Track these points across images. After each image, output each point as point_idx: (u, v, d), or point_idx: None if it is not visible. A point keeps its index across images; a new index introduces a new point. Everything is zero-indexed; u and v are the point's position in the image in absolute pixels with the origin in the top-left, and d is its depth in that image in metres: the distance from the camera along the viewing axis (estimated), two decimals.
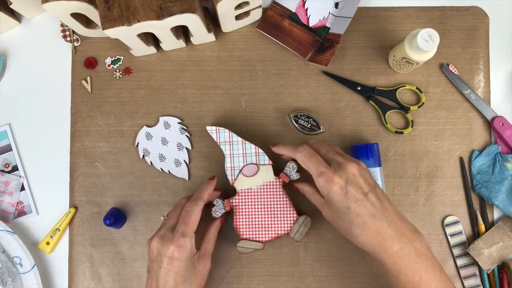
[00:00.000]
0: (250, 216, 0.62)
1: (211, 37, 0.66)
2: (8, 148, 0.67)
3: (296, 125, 0.66)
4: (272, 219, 0.61)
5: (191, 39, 0.65)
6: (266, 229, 0.61)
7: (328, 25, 0.67)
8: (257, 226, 0.61)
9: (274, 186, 0.62)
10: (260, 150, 0.62)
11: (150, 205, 0.66)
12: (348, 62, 0.67)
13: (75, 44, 0.68)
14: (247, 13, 0.64)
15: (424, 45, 0.57)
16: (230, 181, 0.62)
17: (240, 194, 0.62)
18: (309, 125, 0.66)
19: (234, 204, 0.62)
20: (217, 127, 0.62)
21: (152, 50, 0.66)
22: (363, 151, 0.63)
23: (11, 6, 0.64)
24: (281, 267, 0.65)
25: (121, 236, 0.66)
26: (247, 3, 0.60)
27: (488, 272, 0.63)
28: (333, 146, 0.58)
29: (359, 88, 0.66)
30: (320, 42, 0.66)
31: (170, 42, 0.64)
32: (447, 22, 0.67)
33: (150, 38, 0.64)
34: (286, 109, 0.67)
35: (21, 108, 0.68)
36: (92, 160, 0.67)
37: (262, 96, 0.67)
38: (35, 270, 0.64)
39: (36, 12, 0.68)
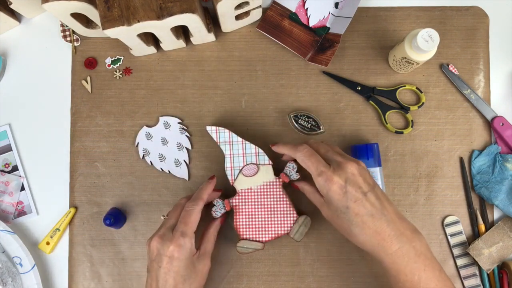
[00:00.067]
0: (250, 216, 0.62)
1: (211, 37, 0.66)
2: (8, 148, 0.67)
3: (296, 125, 0.66)
4: (272, 219, 0.61)
5: (191, 39, 0.65)
6: (266, 229, 0.61)
7: (328, 25, 0.67)
8: (257, 226, 0.61)
9: (274, 186, 0.62)
10: (260, 150, 0.62)
11: (150, 205, 0.66)
12: (348, 62, 0.67)
13: (75, 44, 0.68)
14: (247, 13, 0.64)
15: (424, 45, 0.57)
16: (230, 181, 0.62)
17: (240, 194, 0.62)
18: (309, 125, 0.66)
19: (234, 204, 0.62)
20: (217, 127, 0.62)
21: (152, 50, 0.66)
22: (363, 151, 0.63)
23: (11, 6, 0.64)
24: (281, 267, 0.65)
25: (121, 236, 0.66)
26: (247, 3, 0.60)
27: (488, 272, 0.63)
28: (332, 146, 0.58)
29: (359, 88, 0.66)
30: (320, 42, 0.66)
31: (170, 42, 0.64)
32: (447, 22, 0.67)
33: (150, 38, 0.64)
34: (286, 109, 0.67)
35: (21, 108, 0.68)
36: (92, 160, 0.67)
37: (262, 96, 0.67)
38: (35, 270, 0.64)
39: (36, 12, 0.68)
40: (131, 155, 0.67)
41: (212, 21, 0.65)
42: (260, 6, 0.63)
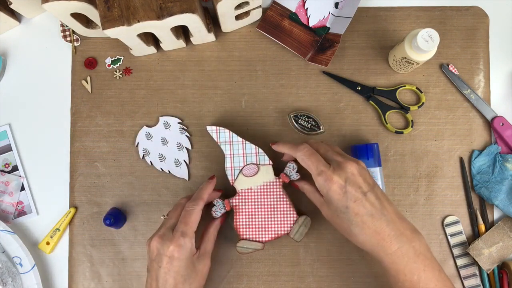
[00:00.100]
0: (250, 216, 0.62)
1: (211, 37, 0.66)
2: (8, 148, 0.67)
3: (296, 125, 0.66)
4: (272, 219, 0.61)
5: (191, 39, 0.65)
6: (266, 229, 0.61)
7: (328, 25, 0.67)
8: (257, 226, 0.61)
9: (274, 186, 0.62)
10: (260, 150, 0.62)
11: (150, 205, 0.66)
12: (348, 62, 0.67)
13: (75, 44, 0.68)
14: (247, 13, 0.64)
15: (424, 45, 0.57)
16: (230, 181, 0.62)
17: (240, 194, 0.62)
18: (309, 125, 0.66)
19: (234, 204, 0.62)
20: (218, 127, 0.62)
21: (152, 50, 0.66)
22: (363, 151, 0.63)
23: (11, 6, 0.64)
24: (281, 267, 0.65)
25: (121, 236, 0.66)
26: (247, 3, 0.60)
27: (488, 272, 0.63)
28: (332, 146, 0.58)
29: (359, 88, 0.66)
30: (320, 42, 0.66)
31: (170, 42, 0.64)
32: (447, 22, 0.67)
33: (150, 38, 0.64)
34: (286, 109, 0.67)
35: (21, 108, 0.68)
36: (92, 160, 0.67)
37: (262, 96, 0.67)
38: (35, 270, 0.64)
39: (36, 12, 0.68)
40: (131, 155, 0.67)
41: (212, 21, 0.65)
42: (260, 6, 0.63)
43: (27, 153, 0.68)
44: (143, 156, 0.66)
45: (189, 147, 0.66)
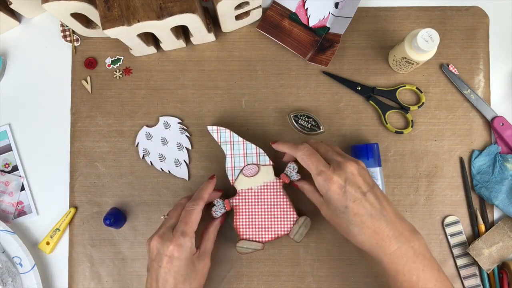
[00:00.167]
0: (250, 217, 0.62)
1: (211, 37, 0.66)
2: (8, 148, 0.67)
3: (296, 125, 0.66)
4: (272, 219, 0.61)
5: (191, 39, 0.65)
6: (266, 229, 0.61)
7: (328, 25, 0.67)
8: (257, 226, 0.61)
9: (275, 187, 0.62)
10: (261, 151, 0.62)
11: (150, 205, 0.66)
12: (348, 62, 0.67)
13: (75, 44, 0.68)
14: (247, 13, 0.64)
15: (424, 45, 0.57)
16: (231, 181, 0.62)
17: (240, 194, 0.62)
18: (309, 125, 0.66)
19: (234, 204, 0.62)
20: (218, 127, 0.62)
21: (152, 50, 0.66)
22: (363, 151, 0.63)
23: (11, 6, 0.64)
24: (281, 267, 0.65)
25: (121, 236, 0.66)
26: (247, 3, 0.60)
27: (488, 272, 0.63)
28: (332, 146, 0.58)
29: (359, 88, 0.66)
30: (320, 42, 0.66)
31: (170, 42, 0.64)
32: (447, 22, 0.67)
33: (150, 38, 0.64)
34: (286, 109, 0.67)
35: (21, 108, 0.68)
36: (92, 160, 0.67)
37: (262, 96, 0.67)
38: (35, 270, 0.64)
39: (36, 12, 0.68)
40: (131, 155, 0.67)
41: (212, 21, 0.65)
42: (260, 6, 0.63)
43: (27, 153, 0.68)
44: (143, 156, 0.66)
45: (189, 147, 0.66)
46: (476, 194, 0.65)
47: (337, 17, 0.66)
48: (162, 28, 0.57)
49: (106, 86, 0.67)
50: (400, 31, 0.67)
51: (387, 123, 0.65)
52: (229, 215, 0.64)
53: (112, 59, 0.68)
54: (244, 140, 0.62)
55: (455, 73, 0.66)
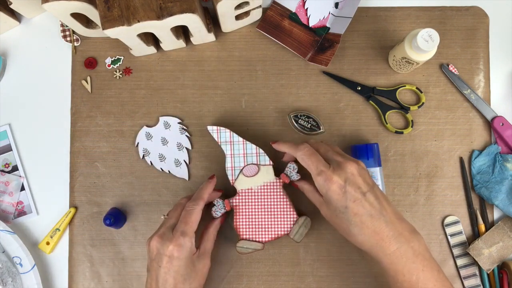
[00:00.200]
0: (250, 217, 0.62)
1: (211, 37, 0.66)
2: (8, 148, 0.67)
3: (296, 125, 0.66)
4: (272, 219, 0.61)
5: (191, 39, 0.65)
6: (266, 229, 0.61)
7: (328, 25, 0.67)
8: (257, 226, 0.61)
9: (275, 187, 0.62)
10: (261, 151, 0.62)
11: (150, 205, 0.66)
12: (348, 62, 0.67)
13: (75, 44, 0.68)
14: (247, 13, 0.64)
15: (424, 45, 0.57)
16: (231, 181, 0.62)
17: (240, 194, 0.62)
18: (309, 125, 0.66)
19: (234, 204, 0.62)
20: (218, 127, 0.62)
21: (152, 50, 0.66)
22: (363, 151, 0.63)
23: (11, 6, 0.64)
24: (281, 267, 0.65)
25: (121, 236, 0.66)
26: (247, 3, 0.60)
27: (488, 272, 0.63)
28: (332, 146, 0.58)
29: (359, 88, 0.66)
30: (320, 42, 0.66)
31: (170, 42, 0.64)
32: (447, 22, 0.67)
33: (150, 38, 0.64)
34: (286, 109, 0.67)
35: (21, 108, 0.68)
36: (92, 160, 0.67)
37: (262, 96, 0.67)
38: (35, 270, 0.64)
39: (36, 12, 0.68)
40: (131, 155, 0.67)
41: (212, 21, 0.65)
42: (260, 6, 0.63)
43: (27, 153, 0.68)
44: (143, 156, 0.66)
45: (189, 147, 0.66)
46: (476, 194, 0.65)
47: (337, 17, 0.66)
48: (162, 28, 0.57)
49: (106, 86, 0.67)
50: (400, 31, 0.67)
51: (387, 123, 0.65)
52: (229, 215, 0.64)
53: (112, 59, 0.68)
54: (244, 140, 0.62)
55: (455, 73, 0.66)
